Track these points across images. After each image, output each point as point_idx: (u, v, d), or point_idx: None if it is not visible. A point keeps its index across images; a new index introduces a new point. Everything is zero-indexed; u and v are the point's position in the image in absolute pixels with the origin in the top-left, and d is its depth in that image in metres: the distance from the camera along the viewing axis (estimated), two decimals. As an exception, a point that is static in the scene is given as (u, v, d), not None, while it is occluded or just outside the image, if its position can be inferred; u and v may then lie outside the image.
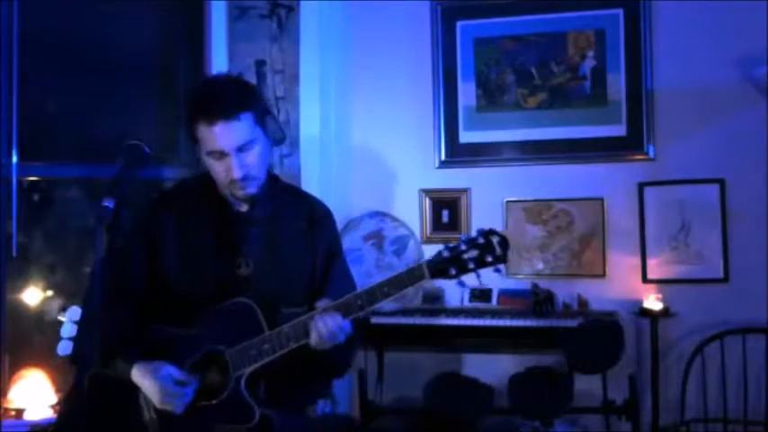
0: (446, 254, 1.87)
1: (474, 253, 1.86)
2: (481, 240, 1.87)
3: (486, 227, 1.93)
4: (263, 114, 2.00)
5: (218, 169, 1.95)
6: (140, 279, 2.00)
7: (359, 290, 1.92)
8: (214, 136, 1.89)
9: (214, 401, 1.90)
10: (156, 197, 2.23)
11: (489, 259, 1.86)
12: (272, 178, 2.12)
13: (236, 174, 1.92)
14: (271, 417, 1.94)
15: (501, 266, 1.89)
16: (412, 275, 1.87)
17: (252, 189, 1.98)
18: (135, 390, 1.90)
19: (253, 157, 1.94)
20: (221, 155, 1.92)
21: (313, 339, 1.87)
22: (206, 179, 2.03)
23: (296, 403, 2.10)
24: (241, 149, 1.91)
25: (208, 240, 2.02)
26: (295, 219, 2.09)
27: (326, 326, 1.85)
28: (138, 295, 1.99)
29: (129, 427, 1.91)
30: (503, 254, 1.86)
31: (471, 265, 1.86)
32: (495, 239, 1.86)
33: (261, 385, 1.94)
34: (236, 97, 1.93)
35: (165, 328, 1.95)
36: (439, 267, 1.86)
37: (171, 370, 1.88)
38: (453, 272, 1.87)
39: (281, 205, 2.09)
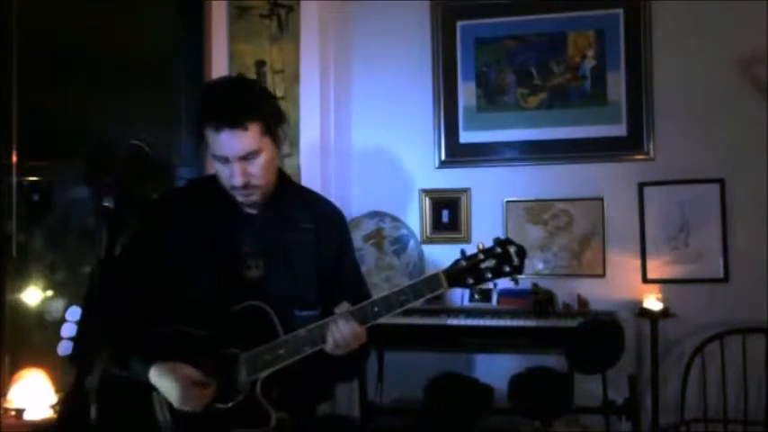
0: (464, 263, 1.87)
1: (491, 263, 1.86)
2: (498, 250, 1.87)
3: (503, 236, 1.96)
4: (273, 122, 1.97)
5: (222, 174, 1.95)
6: (152, 279, 1.98)
7: (375, 296, 1.91)
8: (219, 142, 1.89)
9: (230, 405, 1.90)
10: (167, 196, 2.23)
11: (507, 269, 1.86)
12: (282, 180, 2.09)
13: (238, 182, 1.91)
14: (285, 420, 1.94)
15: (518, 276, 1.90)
16: (430, 284, 1.88)
17: (254, 197, 1.97)
18: (147, 390, 1.89)
19: (256, 166, 1.92)
20: (225, 161, 1.92)
21: (329, 345, 1.87)
22: (215, 180, 2.02)
23: (307, 405, 2.10)
24: (245, 158, 1.90)
25: (217, 241, 2.00)
26: (305, 220, 2.07)
27: (343, 333, 1.85)
28: (150, 295, 1.96)
29: (142, 428, 1.90)
30: (520, 264, 1.86)
31: (489, 275, 1.87)
32: (512, 249, 1.87)
33: (274, 388, 1.93)
34: (246, 106, 1.90)
35: (178, 329, 1.93)
36: (457, 277, 1.87)
37: (189, 371, 1.87)
38: (471, 281, 1.87)
39: (291, 207, 2.07)
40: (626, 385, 3.54)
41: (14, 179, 3.41)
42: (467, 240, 3.96)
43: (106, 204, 1.63)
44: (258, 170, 1.93)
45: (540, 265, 3.92)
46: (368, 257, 3.92)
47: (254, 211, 2.03)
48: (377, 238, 3.94)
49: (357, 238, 3.92)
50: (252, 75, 3.67)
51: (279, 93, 3.66)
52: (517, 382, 3.58)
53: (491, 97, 4.02)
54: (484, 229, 3.99)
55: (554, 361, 3.70)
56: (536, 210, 3.94)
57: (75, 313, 2.84)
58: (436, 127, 4.06)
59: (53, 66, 3.56)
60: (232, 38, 3.70)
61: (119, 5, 3.61)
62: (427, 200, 4.07)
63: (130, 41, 3.64)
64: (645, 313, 3.62)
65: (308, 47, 3.68)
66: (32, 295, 3.49)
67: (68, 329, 2.83)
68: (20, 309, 3.46)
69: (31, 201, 3.56)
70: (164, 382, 1.86)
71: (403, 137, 4.09)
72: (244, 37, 3.69)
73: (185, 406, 1.85)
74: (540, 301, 3.63)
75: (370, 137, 4.11)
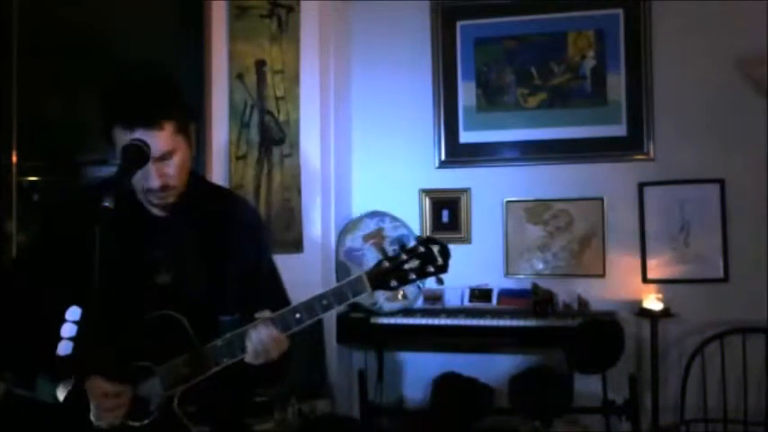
0: (387, 265, 1.79)
1: (415, 263, 1.79)
2: (422, 249, 1.79)
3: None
4: (186, 121, 1.88)
5: (134, 177, 1.81)
6: (53, 290, 1.84)
7: (296, 303, 1.84)
8: None
9: (146, 421, 1.81)
10: (68, 200, 2.07)
11: (431, 269, 1.79)
12: (194, 181, 1.98)
13: (154, 184, 1.80)
14: None
15: (442, 276, 1.83)
16: (352, 287, 1.79)
17: (170, 198, 1.87)
18: (57, 411, 1.76)
19: (172, 166, 1.82)
20: None
21: (248, 354, 1.79)
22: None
23: (229, 418, 2.00)
24: (161, 159, 1.79)
25: (123, 247, 1.84)
26: (218, 222, 1.97)
27: (263, 340, 1.78)
28: (54, 306, 1.81)
29: None
30: (444, 263, 1.80)
31: (412, 276, 1.79)
32: (435, 248, 1.79)
33: (193, 401, 1.83)
34: (159, 104, 1.80)
35: (85, 342, 1.76)
36: (380, 279, 1.79)
37: (99, 383, 1.75)
38: (394, 283, 1.80)
39: (204, 208, 1.97)
40: (626, 385, 3.54)
41: (14, 179, 3.41)
42: (467, 240, 3.97)
43: (106, 204, 1.61)
44: (174, 170, 1.83)
45: (540, 265, 3.92)
46: (368, 257, 3.91)
47: (162, 213, 1.92)
48: (377, 238, 3.94)
49: (357, 238, 3.92)
50: (252, 75, 3.68)
51: (279, 93, 3.66)
52: (517, 382, 3.59)
53: (491, 97, 4.02)
54: (484, 229, 3.99)
55: (554, 361, 3.70)
56: (536, 210, 3.93)
57: (75, 313, 2.83)
58: (436, 127, 4.06)
59: (53, 66, 3.56)
60: (232, 38, 3.70)
61: (119, 5, 3.61)
62: (427, 200, 4.07)
63: (130, 41, 3.64)
64: (645, 313, 3.62)
65: (308, 47, 3.68)
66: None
67: (68, 329, 2.82)
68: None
69: (31, 201, 3.56)
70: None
71: (403, 137, 4.09)
72: (244, 37, 3.69)
73: (100, 421, 1.75)
74: (540, 301, 3.63)
75: (369, 137, 4.11)
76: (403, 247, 1.81)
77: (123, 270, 1.85)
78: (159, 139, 1.78)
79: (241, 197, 2.15)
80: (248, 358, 1.80)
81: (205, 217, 1.96)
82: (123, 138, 1.77)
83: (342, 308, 1.86)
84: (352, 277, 1.81)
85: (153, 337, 1.83)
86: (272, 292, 2.01)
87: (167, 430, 1.82)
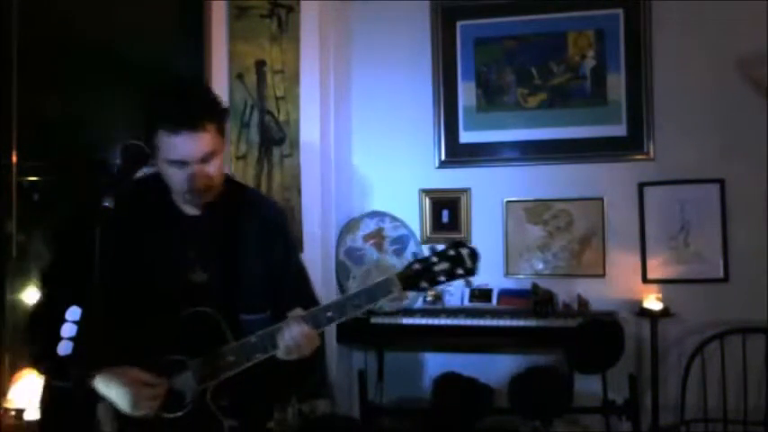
0: (417, 266, 1.86)
1: (445, 265, 1.87)
2: (452, 253, 1.87)
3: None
4: (225, 122, 1.95)
5: (176, 178, 1.88)
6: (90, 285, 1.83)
7: (330, 301, 1.90)
8: (176, 145, 1.83)
9: (179, 414, 1.85)
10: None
11: (460, 272, 1.87)
12: (226, 181, 2.04)
13: (198, 184, 1.87)
14: (236, 428, 1.90)
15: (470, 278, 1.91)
16: (383, 288, 1.86)
17: (209, 198, 1.93)
18: (89, 402, 1.79)
19: (214, 167, 1.89)
20: (182, 164, 1.86)
21: (281, 350, 1.84)
22: (155, 182, 1.95)
23: (259, 413, 2.05)
24: (204, 160, 1.86)
25: (159, 246, 1.94)
26: (249, 221, 2.03)
27: (295, 337, 1.83)
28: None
29: None
30: (473, 266, 1.88)
31: (442, 278, 1.87)
32: (465, 252, 1.88)
33: (224, 396, 1.88)
34: (203, 107, 1.88)
35: (120, 336, 1.81)
36: (410, 280, 1.86)
37: (138, 372, 1.81)
38: (424, 285, 1.87)
39: (235, 208, 2.02)
40: (626, 385, 3.54)
41: (14, 179, 3.41)
42: (467, 240, 3.96)
43: (106, 204, 1.62)
44: (215, 171, 1.90)
45: (540, 265, 3.92)
46: (368, 257, 3.92)
47: (195, 212, 1.98)
48: (377, 238, 3.94)
49: (357, 238, 3.92)
50: (252, 75, 3.68)
51: (279, 93, 3.66)
52: (517, 382, 3.59)
53: (491, 97, 4.02)
54: (484, 229, 3.99)
55: (554, 361, 3.70)
56: (536, 210, 3.93)
57: (75, 313, 2.83)
58: (436, 127, 4.06)
59: (53, 66, 3.56)
60: (232, 38, 3.70)
61: (119, 5, 3.61)
62: (427, 200, 4.07)
63: (130, 41, 3.64)
64: (645, 313, 3.62)
65: (308, 47, 3.68)
66: (32, 295, 3.48)
67: (68, 329, 2.82)
68: (20, 309, 3.46)
69: (31, 201, 3.56)
70: (112, 387, 1.78)
71: (403, 137, 4.09)
72: (244, 37, 3.69)
73: (138, 410, 1.79)
74: (540, 301, 3.63)
75: (370, 137, 4.11)
76: (433, 250, 1.89)
77: (158, 268, 1.92)
78: (203, 141, 1.84)
79: (268, 197, 2.18)
80: (280, 354, 1.85)
81: (236, 216, 2.02)
82: (168, 140, 1.83)
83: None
84: (383, 278, 1.87)
85: (188, 332, 1.88)
86: (302, 291, 2.07)
87: (200, 423, 1.86)
